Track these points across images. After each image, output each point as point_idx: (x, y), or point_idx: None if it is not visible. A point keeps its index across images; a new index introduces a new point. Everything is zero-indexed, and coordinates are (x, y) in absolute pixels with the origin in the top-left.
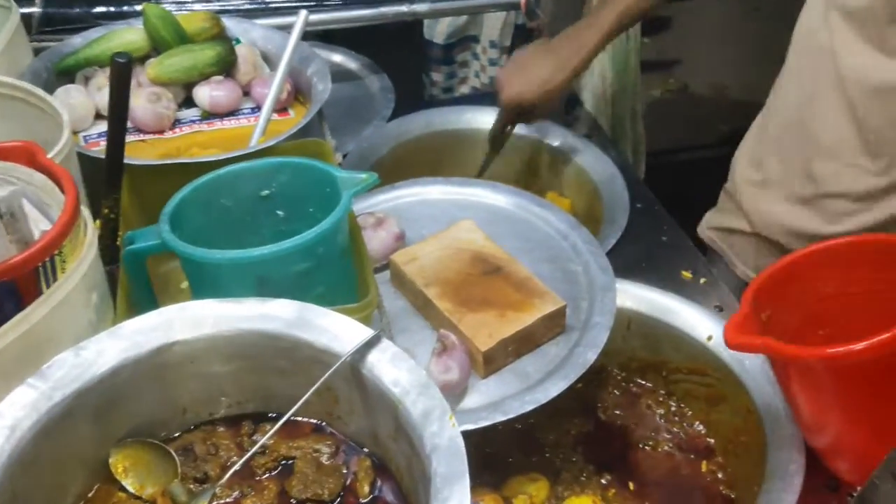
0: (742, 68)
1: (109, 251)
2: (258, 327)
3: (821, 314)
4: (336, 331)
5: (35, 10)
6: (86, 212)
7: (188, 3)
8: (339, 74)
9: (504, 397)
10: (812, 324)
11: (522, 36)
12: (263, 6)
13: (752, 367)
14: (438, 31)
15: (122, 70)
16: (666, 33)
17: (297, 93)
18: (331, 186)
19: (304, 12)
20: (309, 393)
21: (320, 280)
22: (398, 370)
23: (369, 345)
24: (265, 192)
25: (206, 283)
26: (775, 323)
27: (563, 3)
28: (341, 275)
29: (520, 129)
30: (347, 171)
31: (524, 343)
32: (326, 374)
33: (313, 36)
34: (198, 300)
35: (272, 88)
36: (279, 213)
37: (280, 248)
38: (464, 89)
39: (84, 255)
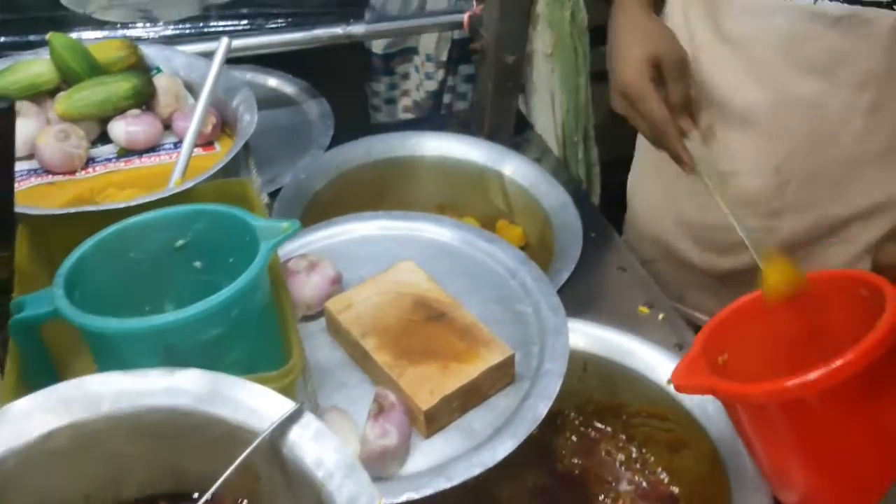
0: None
1: (3, 317)
2: (165, 403)
3: (784, 358)
4: (253, 404)
5: None
6: None
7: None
8: (274, 100)
9: (449, 459)
10: (775, 368)
11: (459, 51)
12: (189, 31)
13: (714, 413)
14: (377, 41)
15: (2, 119)
16: None
17: (224, 125)
18: (250, 236)
19: (225, 39)
20: (226, 474)
21: (236, 345)
22: (322, 449)
23: (290, 420)
24: (180, 243)
25: (108, 355)
26: (734, 367)
27: (507, 22)
28: (261, 337)
29: (469, 153)
30: (267, 220)
31: (470, 397)
32: (242, 456)
33: (251, 59)
34: (95, 374)
35: (192, 123)
36: (196, 264)
37: (187, 314)
38: (406, 102)
39: None
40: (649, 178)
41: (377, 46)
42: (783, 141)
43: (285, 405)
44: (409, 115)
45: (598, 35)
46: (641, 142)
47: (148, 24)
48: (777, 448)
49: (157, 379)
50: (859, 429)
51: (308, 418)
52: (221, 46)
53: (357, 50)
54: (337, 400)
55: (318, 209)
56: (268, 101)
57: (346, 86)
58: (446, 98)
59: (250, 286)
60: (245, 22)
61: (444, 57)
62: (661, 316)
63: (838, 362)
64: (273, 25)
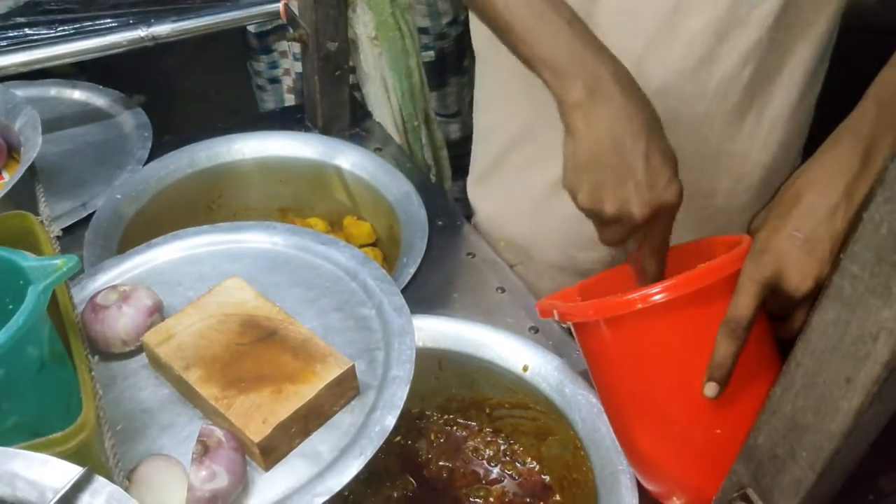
0: None
1: None
2: None
3: None
4: (32, 476)
5: None
6: None
7: None
8: (82, 115)
9: (291, 491)
10: None
11: None
12: None
13: (572, 397)
14: None
15: None
16: None
17: (11, 150)
18: (23, 279)
19: None
20: None
21: (9, 409)
22: None
23: (77, 488)
24: None
25: None
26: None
27: (323, 8)
28: (43, 394)
29: (302, 150)
30: (38, 259)
31: (311, 419)
32: None
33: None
34: None
35: None
36: None
37: None
38: (289, 81)
39: None
40: (493, 182)
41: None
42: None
43: (70, 471)
44: (292, 98)
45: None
46: (480, 135)
47: None
48: (610, 381)
49: None
50: (683, 369)
51: (98, 483)
52: None
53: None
54: (164, 443)
55: (139, 231)
56: (76, 116)
57: (230, 61)
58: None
59: (16, 340)
60: (47, 31)
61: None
62: (512, 297)
63: (660, 285)
64: (65, 32)
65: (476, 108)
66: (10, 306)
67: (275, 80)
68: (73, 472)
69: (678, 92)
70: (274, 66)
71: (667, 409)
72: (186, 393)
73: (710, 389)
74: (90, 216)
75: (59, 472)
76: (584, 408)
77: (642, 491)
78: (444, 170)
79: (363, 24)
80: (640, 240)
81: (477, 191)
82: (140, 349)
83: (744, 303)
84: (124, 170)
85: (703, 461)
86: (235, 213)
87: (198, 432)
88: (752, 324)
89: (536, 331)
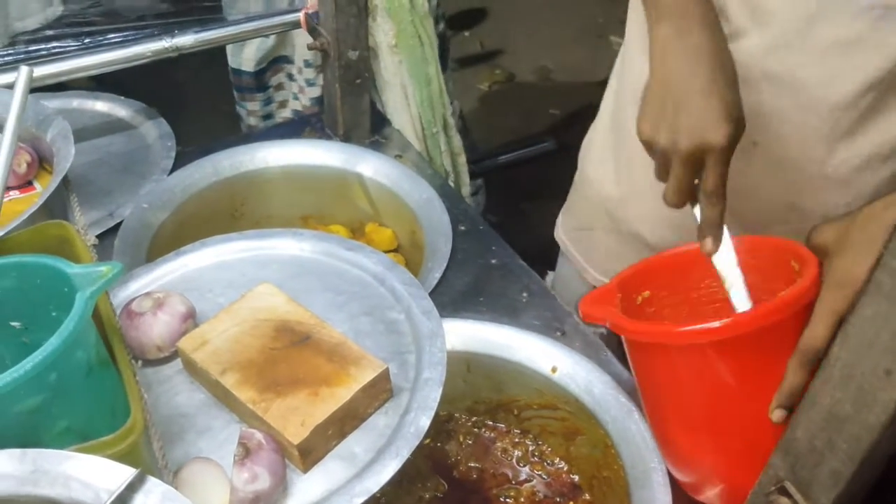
0: (565, 49)
1: None
2: None
3: (708, 314)
4: (85, 477)
5: None
6: None
7: None
8: (106, 126)
9: (330, 492)
10: (699, 305)
11: None
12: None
13: (602, 397)
14: (246, 58)
15: None
16: (484, 24)
17: (43, 161)
18: (67, 286)
19: (25, 68)
20: None
21: (61, 413)
22: None
23: (131, 488)
24: None
25: None
26: (656, 306)
27: (344, 16)
28: (91, 398)
29: (325, 158)
30: (84, 266)
31: (346, 421)
32: None
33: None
34: None
35: None
36: (14, 324)
37: None
38: (285, 113)
39: None
40: (608, 146)
41: (247, 63)
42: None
43: (123, 473)
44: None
45: (458, 21)
46: (606, 105)
47: None
48: (663, 394)
49: None
50: (745, 389)
51: (151, 483)
52: (21, 77)
53: (220, 68)
54: (202, 447)
55: (166, 240)
56: (99, 128)
57: (217, 106)
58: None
59: (67, 345)
60: (75, 43)
61: (321, 60)
62: (538, 302)
63: (733, 317)
64: (91, 44)
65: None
66: (54, 313)
67: (269, 116)
68: (126, 473)
69: (794, 101)
70: (269, 101)
71: (718, 421)
72: (223, 397)
73: (778, 416)
74: (117, 226)
75: (112, 474)
76: (613, 407)
77: (675, 487)
78: (461, 175)
79: (383, 33)
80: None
81: (592, 145)
82: (174, 355)
83: (821, 334)
84: (149, 179)
85: (743, 459)
86: (258, 221)
87: (234, 435)
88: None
89: (563, 333)
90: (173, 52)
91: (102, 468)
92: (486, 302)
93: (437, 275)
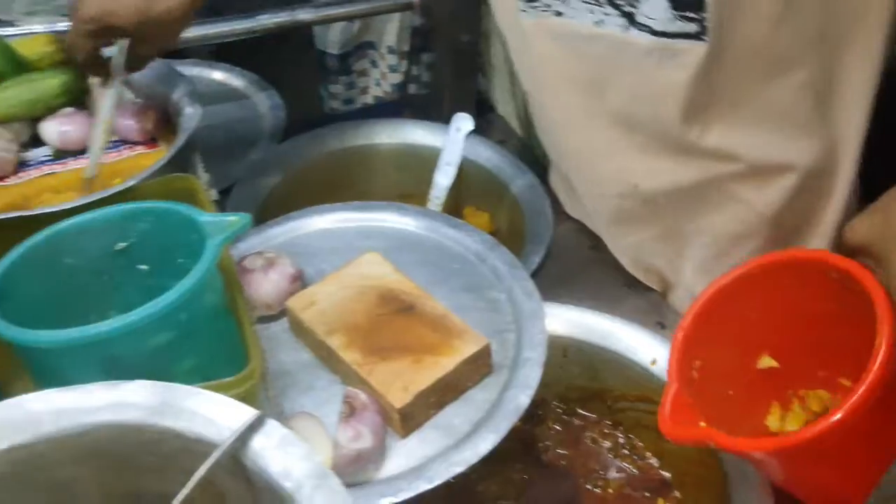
0: None
1: None
2: (112, 419)
3: (755, 341)
4: (209, 414)
5: None
6: None
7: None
8: (221, 94)
9: (427, 459)
10: (749, 354)
11: (420, 40)
12: None
13: None
14: (331, 40)
15: None
16: None
17: (168, 121)
18: (197, 233)
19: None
20: (186, 490)
21: (188, 351)
22: (289, 458)
23: (252, 428)
24: (121, 246)
25: (45, 371)
26: (710, 371)
27: (459, 0)
28: (215, 341)
29: (428, 139)
30: (214, 215)
31: (447, 392)
32: (202, 470)
33: (192, 53)
34: (32, 393)
35: (102, 110)
36: (142, 267)
37: (129, 321)
38: (366, 99)
39: None
40: None
41: (332, 46)
42: None
43: (246, 413)
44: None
45: None
46: None
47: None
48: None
49: (101, 394)
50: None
51: (271, 426)
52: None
53: (305, 47)
54: (304, 404)
55: (273, 205)
56: (215, 95)
57: (301, 87)
58: (412, 88)
59: (198, 287)
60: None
61: (406, 47)
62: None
63: (837, 416)
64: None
65: None
66: (180, 260)
67: (350, 101)
68: (248, 413)
69: None
70: (351, 86)
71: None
72: (327, 358)
73: None
74: (228, 189)
75: (234, 413)
76: None
77: (777, 488)
78: None
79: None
80: None
81: None
82: (280, 314)
83: None
84: (260, 147)
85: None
86: (359, 195)
87: (336, 396)
88: None
89: (663, 326)
90: (291, 25)
91: (226, 406)
92: (585, 290)
93: (536, 260)
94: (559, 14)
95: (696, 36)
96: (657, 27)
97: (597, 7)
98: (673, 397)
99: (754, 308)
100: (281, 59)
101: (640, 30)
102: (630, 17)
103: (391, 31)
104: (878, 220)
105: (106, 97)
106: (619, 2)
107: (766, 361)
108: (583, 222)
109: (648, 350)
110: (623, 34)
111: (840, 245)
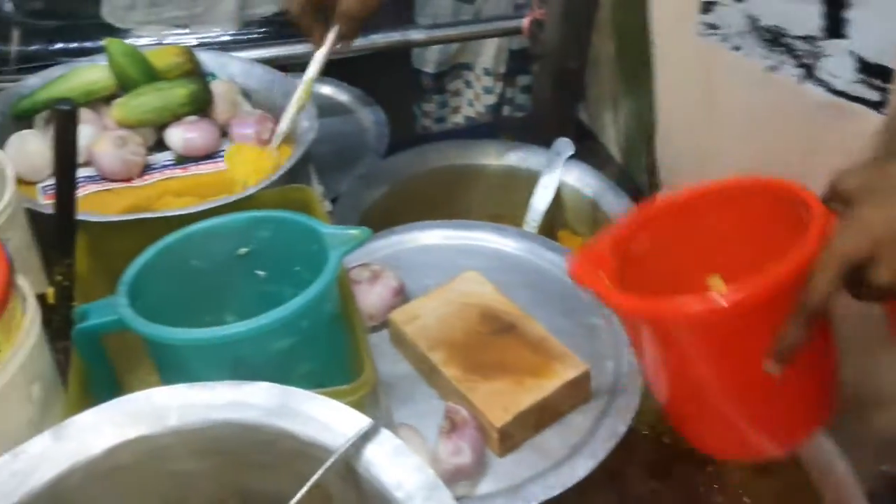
0: None
1: (65, 325)
2: (233, 417)
3: (709, 259)
4: (325, 419)
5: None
6: (25, 287)
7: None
8: (328, 108)
9: (524, 480)
10: (701, 269)
11: (517, 62)
12: (243, 39)
13: None
14: (428, 59)
15: (66, 120)
16: None
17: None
18: (317, 243)
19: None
20: (301, 492)
21: (306, 357)
22: (401, 468)
23: (365, 437)
24: (243, 251)
25: (172, 366)
26: (656, 255)
27: (571, 26)
28: (331, 349)
29: (527, 162)
30: (336, 227)
31: (545, 414)
32: (318, 473)
33: (297, 68)
34: (160, 387)
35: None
36: (259, 273)
37: (259, 325)
38: (457, 119)
39: (21, 342)
40: None
41: (429, 66)
42: None
43: (360, 421)
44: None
45: None
46: None
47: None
48: (668, 364)
49: (224, 392)
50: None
51: (385, 435)
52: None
53: (401, 67)
54: (403, 415)
55: (373, 218)
56: (322, 108)
57: (395, 104)
58: (505, 110)
59: (321, 296)
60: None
61: (502, 69)
62: None
63: (742, 289)
64: None
65: None
66: (297, 268)
67: (441, 120)
68: (362, 421)
69: None
70: (444, 105)
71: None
72: (427, 372)
73: (771, 368)
74: (334, 200)
75: (349, 420)
76: (813, 447)
77: None
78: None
79: (605, 46)
80: None
81: None
82: (381, 326)
83: (825, 285)
84: (364, 161)
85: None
86: (454, 213)
87: (434, 410)
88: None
89: None
90: (402, 45)
91: (341, 413)
92: None
93: None
94: (737, 48)
95: (874, 105)
96: (838, 86)
97: (773, 53)
98: (597, 247)
99: (717, 227)
100: (379, 75)
101: (817, 84)
102: (808, 69)
103: (488, 52)
104: (868, 174)
105: (315, 59)
106: (798, 52)
107: (716, 283)
108: None
109: None
110: (797, 85)
111: (827, 191)
